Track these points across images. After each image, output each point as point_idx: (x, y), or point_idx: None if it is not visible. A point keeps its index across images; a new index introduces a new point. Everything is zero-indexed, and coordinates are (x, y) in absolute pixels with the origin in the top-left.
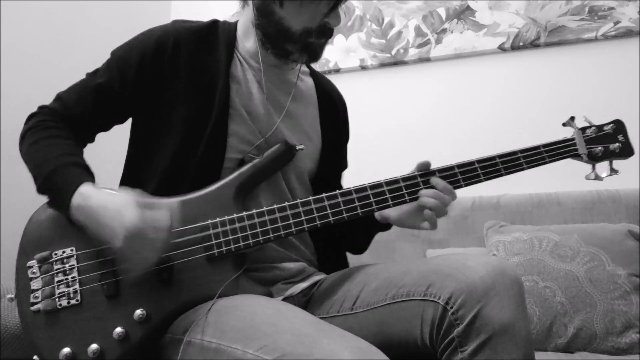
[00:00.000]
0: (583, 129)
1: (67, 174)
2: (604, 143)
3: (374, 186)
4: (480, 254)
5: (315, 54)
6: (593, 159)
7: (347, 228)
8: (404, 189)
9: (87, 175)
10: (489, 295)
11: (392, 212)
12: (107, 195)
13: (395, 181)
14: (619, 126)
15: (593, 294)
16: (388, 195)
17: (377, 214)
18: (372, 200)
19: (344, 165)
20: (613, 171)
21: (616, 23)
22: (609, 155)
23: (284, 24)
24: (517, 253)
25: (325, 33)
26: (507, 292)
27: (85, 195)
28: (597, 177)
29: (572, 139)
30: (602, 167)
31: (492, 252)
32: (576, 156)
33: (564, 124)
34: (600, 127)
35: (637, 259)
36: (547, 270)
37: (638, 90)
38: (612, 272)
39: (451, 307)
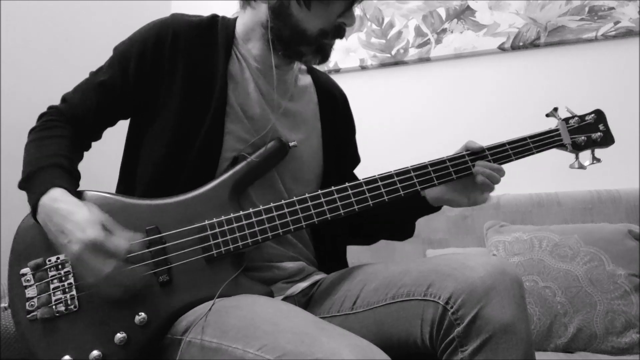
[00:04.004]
0: (566, 120)
1: (45, 175)
2: (586, 132)
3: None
4: (480, 254)
5: (326, 54)
6: (577, 148)
7: (392, 212)
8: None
9: (67, 178)
10: (489, 295)
11: (438, 191)
12: (75, 205)
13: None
14: (599, 116)
15: (593, 294)
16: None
17: (429, 194)
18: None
19: (355, 159)
20: (595, 160)
21: (616, 23)
22: (592, 145)
23: (301, 26)
24: (517, 253)
25: (340, 33)
26: (507, 292)
27: (54, 197)
28: (581, 166)
29: (557, 130)
30: (585, 156)
31: (492, 252)
32: (561, 146)
33: (547, 115)
34: (582, 117)
35: (637, 259)
36: (547, 270)
37: (638, 90)
38: (612, 272)
39: (451, 307)
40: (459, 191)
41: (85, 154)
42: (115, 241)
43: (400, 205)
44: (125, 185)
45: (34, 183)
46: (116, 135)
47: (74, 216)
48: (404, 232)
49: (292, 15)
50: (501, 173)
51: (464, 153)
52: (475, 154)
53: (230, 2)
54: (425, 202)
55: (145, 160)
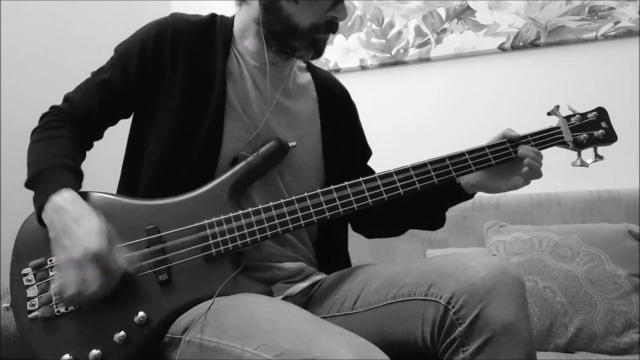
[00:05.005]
0: (568, 117)
1: (55, 175)
2: (588, 130)
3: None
4: (481, 254)
5: (320, 49)
6: (578, 146)
7: (424, 201)
8: (489, 154)
9: (74, 179)
10: (490, 295)
11: (475, 177)
12: (87, 211)
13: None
14: (601, 113)
15: (593, 294)
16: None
17: (465, 181)
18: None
19: (366, 152)
20: (598, 157)
21: (616, 23)
22: (594, 142)
23: (292, 20)
24: (517, 253)
25: (332, 28)
26: (508, 292)
27: (67, 198)
28: (583, 164)
29: (558, 127)
30: (587, 154)
31: (492, 252)
32: (562, 144)
33: (548, 113)
34: (584, 115)
35: (637, 259)
36: (547, 270)
37: (638, 90)
38: (612, 272)
39: (453, 307)
40: (496, 177)
41: (87, 152)
42: (117, 259)
43: (433, 193)
44: (127, 184)
45: (42, 182)
46: (116, 135)
47: (84, 222)
48: (435, 221)
49: (283, 9)
50: (541, 157)
51: (504, 140)
52: (514, 142)
53: (230, 1)
54: (460, 189)
55: (147, 158)
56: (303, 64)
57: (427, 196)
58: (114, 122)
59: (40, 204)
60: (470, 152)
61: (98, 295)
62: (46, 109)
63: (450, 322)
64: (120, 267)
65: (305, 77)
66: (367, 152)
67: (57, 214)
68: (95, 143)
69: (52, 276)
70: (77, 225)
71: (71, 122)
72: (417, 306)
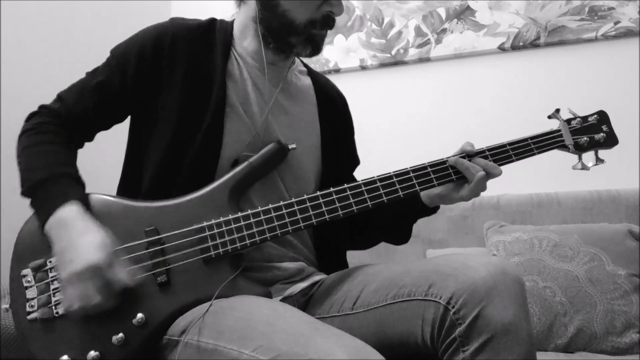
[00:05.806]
0: (568, 121)
1: (58, 186)
2: (589, 133)
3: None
4: (481, 254)
5: (317, 45)
6: (579, 149)
7: (388, 216)
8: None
9: (77, 188)
10: (490, 295)
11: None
12: (92, 225)
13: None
14: (602, 117)
15: (593, 294)
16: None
17: (423, 194)
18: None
19: (354, 161)
20: (599, 160)
21: (616, 23)
22: (595, 145)
23: (288, 16)
24: (517, 253)
25: (328, 23)
26: (508, 292)
27: (74, 212)
28: (584, 167)
29: (559, 131)
30: (588, 158)
31: (492, 252)
32: (563, 147)
33: (549, 117)
34: (584, 118)
35: (637, 259)
36: (547, 270)
37: (638, 90)
38: (612, 272)
39: (452, 307)
40: (452, 187)
41: (85, 154)
42: (117, 272)
43: (397, 208)
44: (127, 185)
45: (47, 192)
46: (116, 135)
47: (88, 236)
48: (400, 236)
49: (279, 5)
50: (497, 171)
51: (463, 154)
52: (471, 156)
53: (230, 2)
54: (421, 203)
55: (147, 160)
56: (304, 68)
57: (393, 210)
58: (108, 127)
59: (46, 216)
60: (431, 165)
61: (100, 308)
62: (37, 109)
63: (450, 322)
64: (120, 281)
65: (306, 81)
66: (356, 161)
67: (63, 227)
68: (95, 143)
69: (51, 277)
70: (81, 238)
71: (64, 125)
72: (417, 306)
